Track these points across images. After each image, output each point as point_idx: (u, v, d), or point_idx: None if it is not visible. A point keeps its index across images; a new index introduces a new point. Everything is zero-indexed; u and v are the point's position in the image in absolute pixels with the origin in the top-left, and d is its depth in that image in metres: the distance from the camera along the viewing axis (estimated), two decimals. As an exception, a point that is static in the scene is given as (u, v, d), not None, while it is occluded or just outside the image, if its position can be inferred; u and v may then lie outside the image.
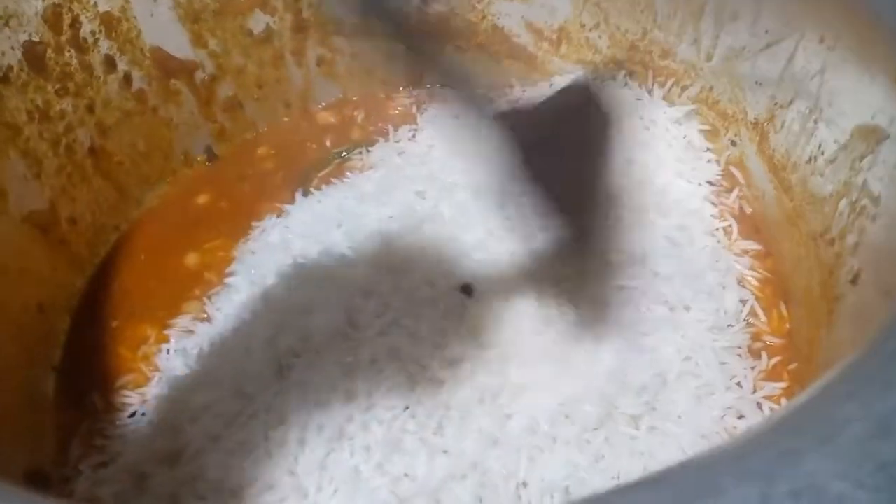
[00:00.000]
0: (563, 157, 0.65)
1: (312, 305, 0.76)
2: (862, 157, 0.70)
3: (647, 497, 0.32)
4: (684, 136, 0.92)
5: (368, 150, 0.99)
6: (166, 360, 0.80)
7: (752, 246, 0.87)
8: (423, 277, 0.78)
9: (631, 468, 0.67)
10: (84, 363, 0.80)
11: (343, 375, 0.71)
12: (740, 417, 0.72)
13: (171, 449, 0.71)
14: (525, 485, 0.65)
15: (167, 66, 0.93)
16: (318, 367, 0.73)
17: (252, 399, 0.71)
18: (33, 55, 0.79)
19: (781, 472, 0.33)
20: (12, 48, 0.78)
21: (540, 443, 0.67)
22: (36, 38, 0.80)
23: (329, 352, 0.73)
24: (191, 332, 0.81)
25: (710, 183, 0.91)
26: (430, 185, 0.89)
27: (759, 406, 0.73)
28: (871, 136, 0.69)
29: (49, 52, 0.82)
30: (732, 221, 0.88)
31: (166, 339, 0.81)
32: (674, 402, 0.71)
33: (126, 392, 0.79)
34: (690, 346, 0.75)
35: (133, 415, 0.76)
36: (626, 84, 0.97)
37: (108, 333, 0.83)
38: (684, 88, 0.94)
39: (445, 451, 0.67)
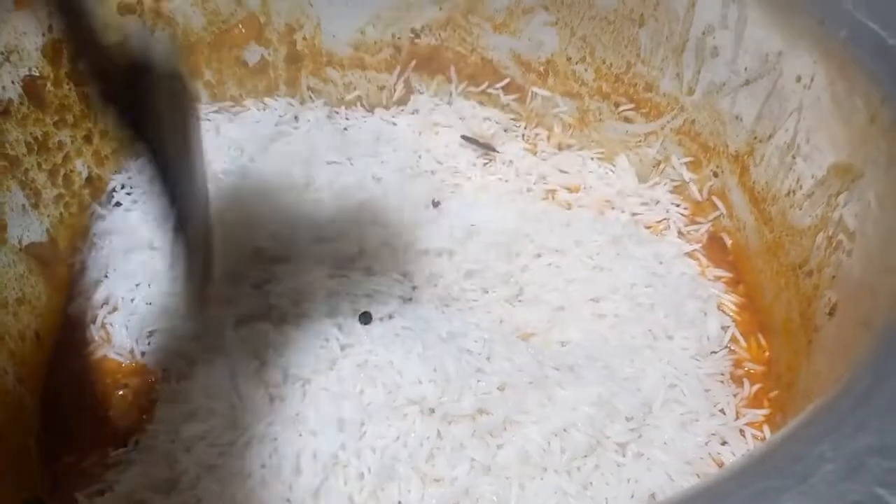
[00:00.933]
0: None
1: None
2: (838, 194, 0.73)
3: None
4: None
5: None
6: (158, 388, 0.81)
7: (724, 273, 0.91)
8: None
9: (619, 494, 0.69)
10: (71, 392, 0.81)
11: (332, 403, 0.72)
12: (724, 444, 0.74)
13: (167, 477, 0.72)
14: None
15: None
16: (308, 395, 0.74)
17: (245, 430, 0.72)
18: (33, 89, 0.81)
19: (760, 511, 0.35)
20: (13, 82, 0.79)
21: (531, 471, 0.69)
22: (36, 73, 0.82)
23: (317, 380, 0.75)
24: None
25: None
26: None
27: (742, 433, 0.75)
28: (846, 174, 0.72)
29: (48, 86, 0.83)
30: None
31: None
32: (659, 429, 0.74)
33: (118, 421, 0.79)
34: (675, 374, 0.78)
35: (126, 444, 0.77)
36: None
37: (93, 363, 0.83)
38: (667, 121, 0.97)
39: (437, 480, 0.69)
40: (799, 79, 0.79)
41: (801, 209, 0.80)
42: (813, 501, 0.36)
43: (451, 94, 1.07)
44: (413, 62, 1.06)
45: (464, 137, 1.01)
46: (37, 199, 0.83)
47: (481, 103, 1.07)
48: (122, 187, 0.95)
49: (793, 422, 0.43)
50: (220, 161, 0.96)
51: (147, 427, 0.77)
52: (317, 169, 0.95)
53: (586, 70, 1.01)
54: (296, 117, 1.05)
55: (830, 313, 0.70)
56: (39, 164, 0.83)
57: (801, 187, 0.80)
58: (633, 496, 0.69)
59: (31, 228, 0.82)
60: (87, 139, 0.90)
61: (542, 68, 1.03)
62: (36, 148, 0.83)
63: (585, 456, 0.70)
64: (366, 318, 0.80)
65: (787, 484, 0.37)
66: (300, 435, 0.72)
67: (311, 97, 1.07)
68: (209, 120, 1.03)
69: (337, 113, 1.08)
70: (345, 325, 0.80)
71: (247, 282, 0.85)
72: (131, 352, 0.84)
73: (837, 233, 0.72)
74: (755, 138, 0.87)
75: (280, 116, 1.04)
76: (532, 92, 1.04)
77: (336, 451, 0.70)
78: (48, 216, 0.85)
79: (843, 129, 0.73)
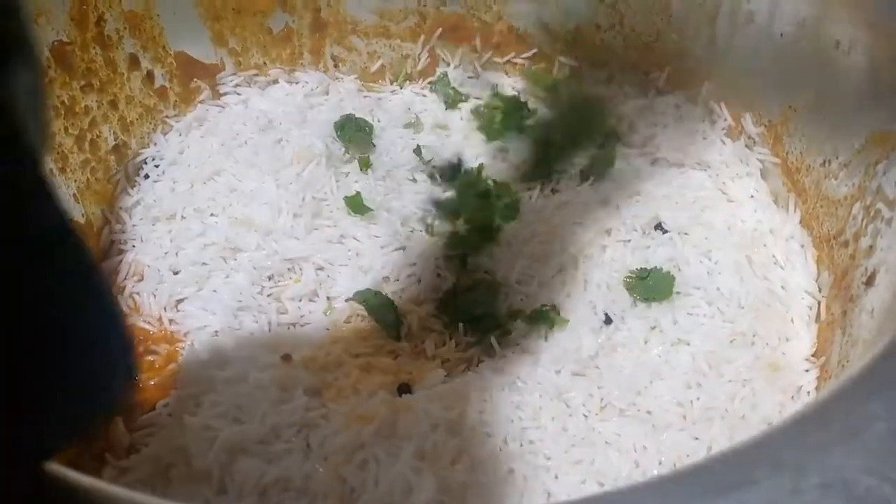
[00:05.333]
0: None
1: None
2: (877, 162, 0.71)
3: (681, 488, 0.33)
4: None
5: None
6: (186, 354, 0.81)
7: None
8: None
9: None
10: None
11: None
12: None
13: (194, 442, 0.72)
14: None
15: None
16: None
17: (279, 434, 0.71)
18: (61, 52, 0.81)
19: (811, 465, 0.34)
20: (41, 45, 0.79)
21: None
22: (64, 37, 0.81)
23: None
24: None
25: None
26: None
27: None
28: (886, 142, 0.70)
29: (75, 49, 0.83)
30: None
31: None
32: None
33: (146, 386, 0.80)
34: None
35: (154, 408, 0.77)
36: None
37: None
38: (699, 91, 0.95)
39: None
40: (837, 44, 0.77)
41: (836, 179, 0.78)
42: (866, 458, 0.35)
43: (475, 65, 1.06)
44: (438, 30, 1.04)
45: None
46: (64, 163, 0.83)
47: (506, 73, 1.06)
48: (152, 160, 0.95)
49: (839, 381, 0.42)
50: (248, 132, 0.96)
51: (174, 392, 0.78)
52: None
53: (615, 39, 0.99)
54: (326, 91, 1.04)
55: (868, 283, 0.68)
56: (66, 129, 0.83)
57: (837, 157, 0.78)
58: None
59: (57, 193, 0.82)
60: (113, 105, 0.90)
61: (569, 37, 1.01)
62: (63, 112, 0.83)
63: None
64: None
65: (838, 439, 0.36)
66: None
67: (335, 66, 1.06)
68: (238, 94, 1.02)
69: (366, 87, 1.07)
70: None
71: None
72: (159, 320, 0.84)
73: (876, 202, 0.71)
74: (790, 107, 0.85)
75: (312, 89, 1.03)
76: (559, 61, 1.03)
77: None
78: (75, 181, 0.85)
79: (883, 96, 0.71)
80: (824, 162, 0.80)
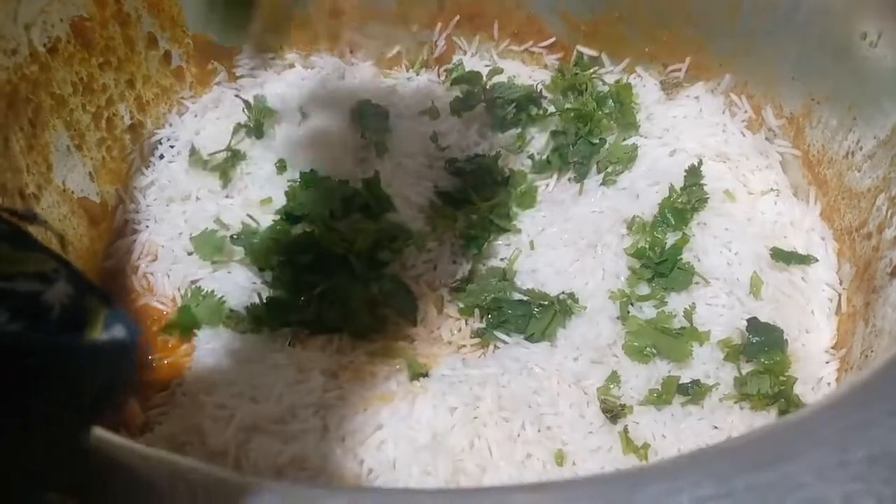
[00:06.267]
0: None
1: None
2: (903, 153, 0.71)
3: (724, 461, 0.33)
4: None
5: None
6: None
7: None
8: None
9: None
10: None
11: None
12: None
13: (207, 422, 0.71)
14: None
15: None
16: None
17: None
18: (80, 28, 0.80)
19: (855, 440, 0.33)
20: (61, 20, 0.78)
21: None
22: (83, 12, 0.81)
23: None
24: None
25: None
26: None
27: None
28: (913, 132, 0.70)
29: (94, 26, 0.82)
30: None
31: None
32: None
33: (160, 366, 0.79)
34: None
35: (168, 388, 0.77)
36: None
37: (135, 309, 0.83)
38: (719, 83, 0.94)
39: None
40: (864, 35, 0.76)
41: (859, 171, 0.78)
42: (908, 434, 0.34)
43: (492, 53, 1.05)
44: (456, 18, 1.04)
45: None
46: (80, 140, 0.82)
47: (524, 62, 1.05)
48: (167, 140, 0.95)
49: (876, 363, 0.42)
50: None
51: (189, 372, 0.77)
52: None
53: (635, 28, 0.98)
54: (342, 76, 1.04)
55: (893, 273, 0.68)
56: (84, 106, 0.83)
57: (860, 149, 0.78)
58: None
59: (74, 170, 0.81)
60: (130, 83, 0.89)
61: (588, 27, 1.00)
62: (81, 89, 0.82)
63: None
64: None
65: (880, 416, 0.35)
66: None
67: (351, 52, 1.05)
68: (254, 76, 1.02)
69: (382, 74, 1.06)
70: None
71: None
72: (173, 300, 0.84)
73: (901, 193, 0.70)
74: (812, 99, 0.84)
75: (328, 74, 1.02)
76: (577, 51, 1.02)
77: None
78: (91, 159, 0.84)
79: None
80: (847, 154, 0.80)
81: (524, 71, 1.04)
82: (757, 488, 0.30)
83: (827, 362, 0.74)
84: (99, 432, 0.39)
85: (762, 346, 0.73)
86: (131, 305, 0.84)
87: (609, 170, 0.91)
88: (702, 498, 0.30)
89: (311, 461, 0.65)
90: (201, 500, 0.37)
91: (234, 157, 0.92)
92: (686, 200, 0.84)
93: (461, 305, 0.82)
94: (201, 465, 0.40)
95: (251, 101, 0.94)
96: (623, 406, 0.72)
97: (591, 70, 1.01)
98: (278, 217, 0.85)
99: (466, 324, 0.81)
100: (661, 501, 0.31)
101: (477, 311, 0.81)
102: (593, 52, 1.01)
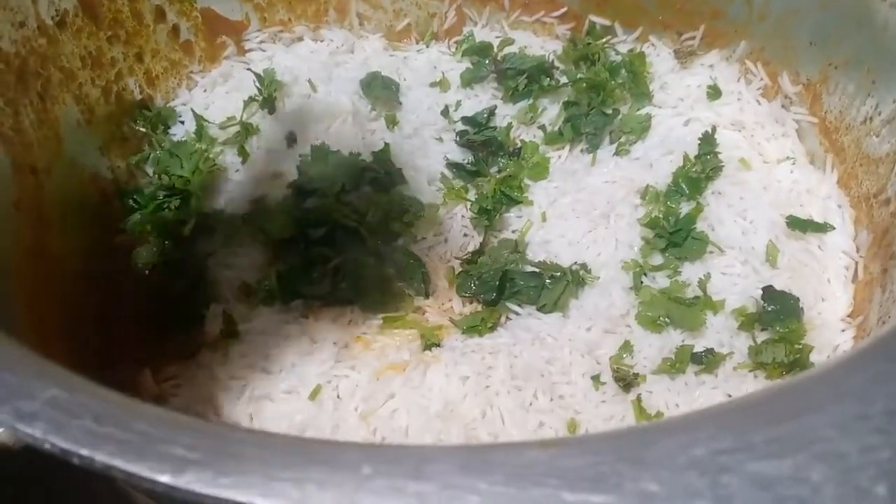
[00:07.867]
0: None
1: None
2: (924, 116, 0.69)
3: (744, 415, 0.32)
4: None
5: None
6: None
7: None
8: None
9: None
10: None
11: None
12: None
13: (222, 392, 0.72)
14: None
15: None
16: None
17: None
18: (88, 1, 0.80)
19: (876, 393, 0.33)
20: (68, -7, 0.78)
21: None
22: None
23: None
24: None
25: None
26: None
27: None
28: (934, 94, 0.68)
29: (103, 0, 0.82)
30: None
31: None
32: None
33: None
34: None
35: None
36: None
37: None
38: (734, 50, 0.92)
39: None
40: (885, -3, 0.74)
41: (878, 137, 0.76)
42: (932, 387, 0.33)
43: (502, 24, 1.04)
44: (467, -13, 1.02)
45: None
46: (90, 115, 0.82)
47: (535, 33, 1.04)
48: (179, 115, 0.94)
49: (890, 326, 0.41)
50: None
51: (202, 345, 0.77)
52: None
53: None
54: (351, 49, 1.03)
55: (911, 239, 0.67)
56: (93, 80, 0.82)
57: (879, 114, 0.76)
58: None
59: (84, 144, 0.81)
60: (139, 58, 0.89)
61: (601, -5, 0.99)
62: (90, 63, 0.82)
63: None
64: None
65: (902, 370, 0.35)
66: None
67: (360, 24, 1.04)
68: (263, 50, 1.01)
69: (392, 46, 1.05)
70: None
71: None
72: (186, 273, 0.84)
73: (921, 157, 0.69)
74: (830, 65, 0.83)
75: (337, 47, 1.01)
76: (589, 20, 1.00)
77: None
78: (100, 134, 0.84)
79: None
80: (865, 119, 0.78)
81: (535, 41, 1.02)
82: (776, 441, 0.30)
83: (843, 330, 0.73)
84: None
85: (777, 314, 0.73)
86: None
87: (622, 140, 0.90)
88: (719, 451, 0.30)
89: (323, 430, 0.66)
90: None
91: (247, 131, 0.91)
92: (700, 169, 0.83)
93: (473, 277, 0.81)
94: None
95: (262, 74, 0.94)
96: (636, 375, 0.71)
97: (604, 39, 0.99)
98: (289, 191, 0.85)
99: (478, 296, 0.80)
100: (674, 455, 0.30)
101: (489, 283, 0.80)
102: (606, 22, 1.00)
